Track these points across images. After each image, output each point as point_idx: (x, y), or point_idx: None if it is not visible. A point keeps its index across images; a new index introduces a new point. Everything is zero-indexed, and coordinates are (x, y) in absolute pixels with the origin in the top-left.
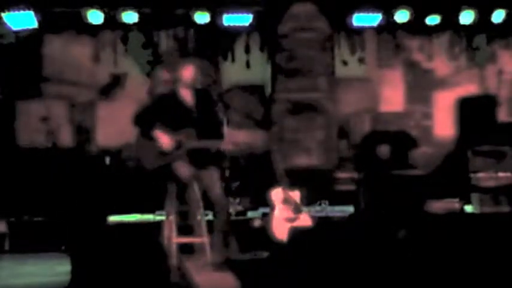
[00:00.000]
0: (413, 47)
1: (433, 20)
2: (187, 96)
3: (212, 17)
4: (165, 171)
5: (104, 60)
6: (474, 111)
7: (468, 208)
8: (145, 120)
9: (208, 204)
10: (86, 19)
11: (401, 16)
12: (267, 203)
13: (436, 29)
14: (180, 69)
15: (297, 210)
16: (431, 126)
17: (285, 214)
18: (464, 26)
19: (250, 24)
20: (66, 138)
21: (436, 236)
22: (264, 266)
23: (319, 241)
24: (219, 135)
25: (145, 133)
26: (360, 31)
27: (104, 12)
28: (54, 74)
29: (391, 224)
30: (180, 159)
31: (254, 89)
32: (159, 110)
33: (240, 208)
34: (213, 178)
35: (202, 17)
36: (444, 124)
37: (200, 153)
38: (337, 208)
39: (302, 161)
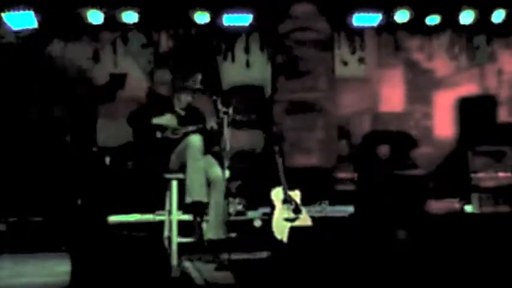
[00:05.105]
0: (413, 47)
1: (433, 20)
2: (185, 99)
3: (212, 17)
4: (165, 163)
5: (104, 60)
6: (474, 111)
7: (468, 208)
8: (139, 121)
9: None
10: (86, 19)
11: (401, 16)
12: (267, 203)
13: (436, 29)
14: (179, 72)
15: (297, 210)
16: (431, 126)
17: (285, 214)
18: (464, 26)
19: (250, 24)
20: (66, 138)
21: (436, 236)
22: (264, 266)
23: (319, 241)
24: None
25: (140, 132)
26: (360, 31)
27: (104, 12)
28: (54, 74)
29: (390, 224)
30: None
31: (254, 89)
32: (156, 112)
33: (240, 208)
34: (210, 159)
35: (202, 17)
36: (444, 124)
37: None
38: (337, 208)
39: (302, 161)
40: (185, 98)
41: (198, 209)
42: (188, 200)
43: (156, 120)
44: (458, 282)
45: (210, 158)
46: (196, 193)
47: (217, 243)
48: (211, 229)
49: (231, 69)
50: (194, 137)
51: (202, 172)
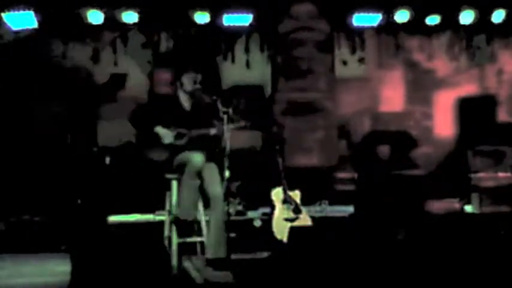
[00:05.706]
0: (413, 47)
1: (433, 20)
2: (186, 100)
3: (212, 17)
4: (169, 165)
5: (104, 60)
6: (474, 111)
7: (468, 208)
8: (142, 120)
9: (207, 201)
10: (86, 19)
11: (401, 16)
12: (267, 203)
13: (436, 29)
14: (179, 73)
15: (297, 210)
16: (431, 126)
17: (285, 214)
18: (464, 26)
19: (250, 24)
20: (67, 138)
21: (436, 236)
22: (264, 266)
23: (319, 241)
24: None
25: (144, 131)
26: (360, 31)
27: (104, 12)
28: (54, 74)
29: (390, 224)
30: (185, 149)
31: (254, 89)
32: (157, 112)
33: (240, 208)
34: (213, 173)
35: (202, 17)
36: (444, 124)
37: (201, 147)
38: (337, 208)
39: (302, 161)
40: (189, 79)
41: (186, 226)
42: (177, 213)
43: (158, 130)
44: (458, 282)
45: (213, 172)
46: (185, 212)
47: (216, 261)
48: (211, 248)
49: (231, 69)
50: (197, 156)
51: (196, 191)
